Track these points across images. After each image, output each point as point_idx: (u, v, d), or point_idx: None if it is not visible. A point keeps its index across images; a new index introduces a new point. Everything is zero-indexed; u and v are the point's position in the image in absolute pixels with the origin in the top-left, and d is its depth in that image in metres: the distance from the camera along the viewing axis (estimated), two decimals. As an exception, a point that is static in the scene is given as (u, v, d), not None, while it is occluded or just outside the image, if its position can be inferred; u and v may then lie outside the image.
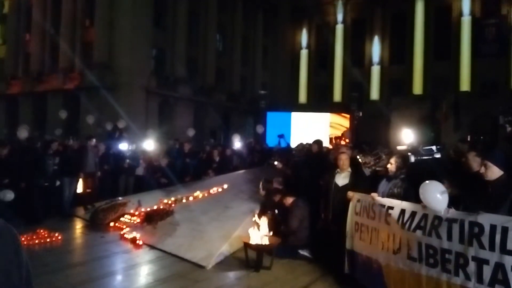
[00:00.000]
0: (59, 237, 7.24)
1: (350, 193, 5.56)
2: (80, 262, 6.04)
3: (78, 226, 8.76)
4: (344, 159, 5.94)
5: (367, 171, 6.25)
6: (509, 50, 28.91)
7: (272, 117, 23.00)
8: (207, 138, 23.76)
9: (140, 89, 25.45)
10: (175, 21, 28.64)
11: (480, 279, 3.49)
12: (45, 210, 9.02)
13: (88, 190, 10.37)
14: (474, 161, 4.67)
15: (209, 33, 31.21)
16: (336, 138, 9.40)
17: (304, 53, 37.05)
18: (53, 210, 9.25)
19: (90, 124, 16.85)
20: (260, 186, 7.76)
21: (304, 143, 10.32)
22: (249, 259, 5.97)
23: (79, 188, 10.13)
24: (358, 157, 6.43)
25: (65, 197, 9.49)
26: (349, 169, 5.97)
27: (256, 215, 6.71)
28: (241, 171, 11.15)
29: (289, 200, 6.76)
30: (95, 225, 8.33)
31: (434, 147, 5.35)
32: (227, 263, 6.10)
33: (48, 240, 7.06)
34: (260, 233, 6.05)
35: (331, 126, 21.94)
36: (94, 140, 11.01)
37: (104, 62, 25.36)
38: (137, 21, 25.31)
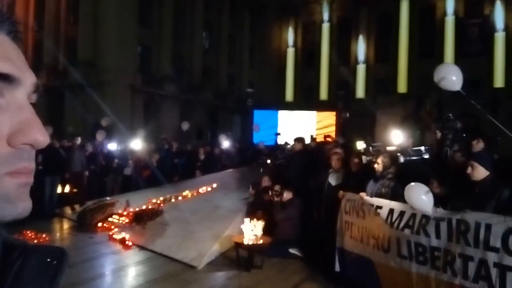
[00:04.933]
0: (46, 238, 7.15)
1: (340, 193, 5.64)
2: (68, 264, 5.96)
3: (65, 226, 8.66)
4: (336, 159, 6.01)
5: (364, 159, 6.32)
6: (491, 50, 29.50)
7: (259, 115, 23.09)
8: (194, 136, 23.64)
9: (125, 87, 25.18)
10: (161, 18, 28.39)
11: (465, 276, 3.59)
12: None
13: (74, 190, 10.25)
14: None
15: (195, 30, 31.03)
16: (325, 137, 9.48)
17: (290, 52, 37.16)
18: (36, 210, 9.10)
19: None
20: (250, 186, 7.79)
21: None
22: (240, 258, 6.01)
23: (66, 188, 10.01)
24: (360, 143, 6.49)
25: (46, 197, 9.35)
26: (342, 170, 6.04)
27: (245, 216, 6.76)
28: (230, 170, 11.15)
29: (287, 195, 6.76)
30: (83, 225, 8.23)
31: (422, 148, 5.45)
32: (218, 263, 6.12)
33: (35, 241, 6.95)
34: (251, 232, 6.08)
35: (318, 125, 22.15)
36: (79, 139, 10.87)
37: (89, 59, 25.02)
38: (123, 18, 25.01)
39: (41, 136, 0.54)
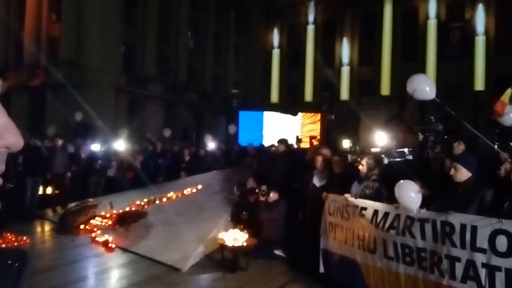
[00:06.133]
0: (27, 241, 6.97)
1: (324, 194, 5.66)
2: (50, 267, 5.84)
3: (47, 229, 8.48)
4: (320, 160, 6.03)
5: (350, 158, 6.39)
6: (472, 53, 30.13)
7: (244, 116, 23.06)
8: (179, 137, 23.52)
9: (109, 87, 24.87)
10: (145, 17, 28.15)
11: (452, 276, 3.63)
12: (8, 213, 8.68)
13: (56, 191, 10.06)
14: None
15: (180, 30, 30.85)
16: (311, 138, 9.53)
17: (276, 53, 37.29)
18: (17, 212, 8.92)
19: (77, 121, 15.97)
20: (235, 188, 7.76)
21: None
22: (225, 260, 5.98)
23: (48, 189, 9.82)
24: (347, 141, 6.55)
25: (27, 198, 9.17)
26: (326, 171, 6.06)
27: (230, 217, 6.74)
28: (215, 171, 11.09)
29: (273, 196, 6.76)
30: (65, 228, 8.06)
31: (406, 150, 5.52)
32: (203, 265, 6.07)
33: (15, 244, 6.78)
34: (235, 234, 6.06)
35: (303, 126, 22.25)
36: (60, 139, 10.68)
37: (71, 58, 24.60)
38: (106, 17, 24.70)
39: (18, 140, 0.55)
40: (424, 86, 4.75)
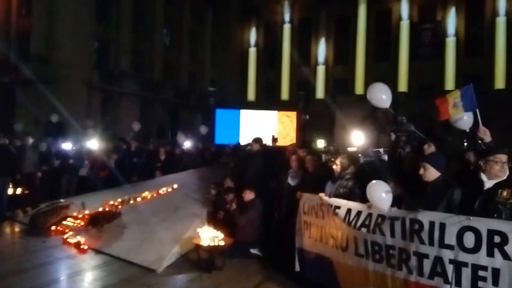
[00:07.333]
0: (-4, 244, 6.79)
1: (298, 193, 5.73)
2: (20, 270, 5.68)
3: (17, 230, 8.22)
4: (294, 160, 6.10)
5: (324, 157, 6.49)
6: (443, 54, 31.03)
7: (221, 114, 22.99)
8: (154, 135, 23.23)
9: (81, 84, 24.31)
10: (119, 12, 27.65)
11: (420, 273, 3.74)
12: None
13: (26, 192, 9.79)
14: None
15: (156, 26, 30.44)
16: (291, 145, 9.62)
17: (252, 51, 37.33)
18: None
19: (54, 122, 15.46)
20: (211, 187, 7.75)
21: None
22: (201, 260, 5.97)
23: (17, 190, 9.54)
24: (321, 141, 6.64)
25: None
26: (301, 170, 6.14)
27: (206, 216, 6.73)
28: (191, 171, 11.02)
29: (249, 195, 6.78)
30: (35, 229, 7.84)
31: (381, 150, 5.65)
32: (178, 265, 6.04)
33: (-17, 247, 6.58)
34: (211, 233, 6.05)
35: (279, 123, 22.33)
36: (30, 138, 10.39)
37: (42, 54, 23.93)
38: (78, 11, 24.16)
39: None
40: (380, 95, 5.15)
